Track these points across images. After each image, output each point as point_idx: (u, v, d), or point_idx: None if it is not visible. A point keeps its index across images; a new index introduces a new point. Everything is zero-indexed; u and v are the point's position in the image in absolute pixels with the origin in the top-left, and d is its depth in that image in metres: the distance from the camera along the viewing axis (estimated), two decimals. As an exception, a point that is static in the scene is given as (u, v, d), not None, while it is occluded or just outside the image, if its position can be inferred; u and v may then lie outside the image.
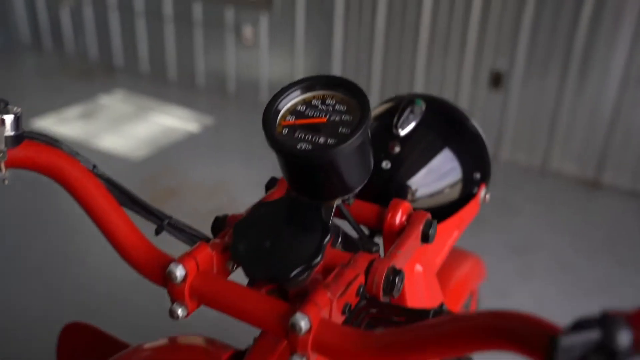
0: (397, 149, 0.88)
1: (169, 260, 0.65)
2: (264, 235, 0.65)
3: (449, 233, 0.90)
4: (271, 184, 0.85)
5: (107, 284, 2.05)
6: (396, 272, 0.65)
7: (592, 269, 2.24)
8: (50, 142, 0.66)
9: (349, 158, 0.64)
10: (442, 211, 0.90)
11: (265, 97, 3.58)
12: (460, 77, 2.99)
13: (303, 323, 0.56)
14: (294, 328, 0.56)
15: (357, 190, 0.68)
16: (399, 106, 0.92)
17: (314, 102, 0.68)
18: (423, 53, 3.05)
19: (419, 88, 3.11)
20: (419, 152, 0.90)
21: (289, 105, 0.68)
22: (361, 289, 0.64)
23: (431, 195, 0.89)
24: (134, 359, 0.76)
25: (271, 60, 3.53)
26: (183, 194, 2.67)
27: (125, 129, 3.26)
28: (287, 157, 0.63)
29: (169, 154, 3.02)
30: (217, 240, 0.68)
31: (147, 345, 0.78)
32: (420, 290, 0.82)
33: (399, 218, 0.75)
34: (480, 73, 2.96)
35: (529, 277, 2.20)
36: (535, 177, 2.90)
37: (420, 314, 0.60)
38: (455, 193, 0.91)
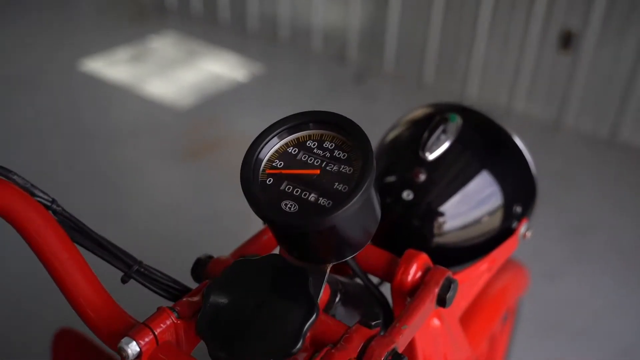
0: (422, 177, 0.75)
1: (130, 325, 0.56)
2: (237, 304, 0.54)
3: (479, 276, 0.78)
4: None
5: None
6: (397, 358, 0.54)
7: None
8: (1, 173, 0.57)
9: (347, 222, 0.52)
10: (474, 249, 0.77)
11: (318, 46, 3.41)
12: (527, 34, 2.75)
13: None
14: None
15: (359, 251, 0.57)
16: (429, 122, 0.78)
17: (308, 143, 0.56)
18: (487, 5, 2.81)
19: (480, 47, 2.88)
20: (449, 179, 0.76)
21: (278, 145, 0.56)
22: (351, 378, 0.53)
23: (461, 229, 0.77)
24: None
25: (326, 6, 3.35)
26: (226, 146, 2.59)
27: (173, 74, 3.18)
28: (263, 219, 0.52)
29: (215, 103, 2.94)
30: (187, 300, 0.58)
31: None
32: (437, 348, 0.71)
33: (412, 274, 0.63)
34: (549, 31, 2.71)
35: (583, 259, 2.04)
36: (601, 149, 2.68)
37: None
38: (490, 227, 0.78)
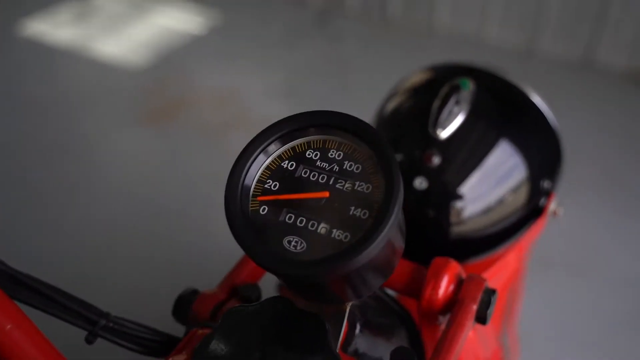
0: (436, 160, 0.62)
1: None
2: None
3: (511, 264, 0.67)
4: None
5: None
6: None
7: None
8: None
9: (374, 257, 0.40)
10: (499, 234, 0.66)
11: (275, -13, 3.20)
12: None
13: None
14: None
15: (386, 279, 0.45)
16: (436, 90, 0.65)
17: (308, 153, 0.43)
18: None
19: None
20: (466, 159, 0.64)
21: (269, 160, 0.43)
22: None
23: (484, 213, 0.65)
24: None
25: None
26: (191, 104, 2.43)
27: (122, 31, 2.96)
28: (269, 269, 0.40)
29: (172, 59, 2.74)
30: (176, 358, 0.46)
31: None
32: (471, 354, 0.61)
33: (443, 290, 0.52)
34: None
35: (569, 189, 1.96)
36: (577, 73, 2.57)
37: None
38: (515, 207, 0.67)
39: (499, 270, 0.63)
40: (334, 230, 0.39)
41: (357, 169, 0.41)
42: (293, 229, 0.40)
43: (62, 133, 2.32)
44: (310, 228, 0.40)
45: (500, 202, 0.65)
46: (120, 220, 1.91)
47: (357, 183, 0.41)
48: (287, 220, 0.40)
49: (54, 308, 0.48)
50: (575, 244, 1.76)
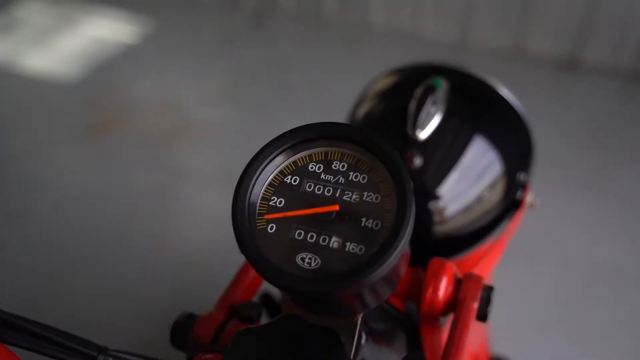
0: (418, 161, 0.63)
1: None
2: None
3: (495, 259, 0.68)
4: None
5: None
6: None
7: (577, 161, 2.06)
8: None
9: (388, 272, 0.39)
10: (482, 230, 0.67)
11: (206, -9, 3.16)
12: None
13: None
14: None
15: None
16: (411, 89, 0.66)
17: (311, 167, 0.42)
18: None
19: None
20: (446, 159, 0.65)
21: (272, 176, 0.42)
22: None
23: (467, 211, 0.66)
24: None
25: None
26: (131, 116, 2.36)
27: (51, 44, 2.85)
28: (285, 289, 0.39)
29: (107, 71, 2.66)
30: None
31: None
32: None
33: (442, 292, 0.52)
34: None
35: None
36: (510, 61, 2.65)
37: None
38: (496, 202, 0.68)
39: (487, 265, 0.64)
40: (347, 244, 0.39)
41: (364, 179, 0.41)
42: (304, 246, 0.39)
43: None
44: (322, 243, 0.39)
45: (481, 197, 0.66)
46: (64, 239, 1.84)
47: (366, 194, 0.40)
48: (296, 237, 0.40)
49: (48, 348, 0.45)
50: (531, 231, 1.82)
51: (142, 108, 2.41)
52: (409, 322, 0.59)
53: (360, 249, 0.39)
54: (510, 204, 0.69)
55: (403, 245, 0.37)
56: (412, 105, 0.64)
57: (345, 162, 0.42)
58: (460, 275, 0.53)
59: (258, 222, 0.40)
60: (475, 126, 0.67)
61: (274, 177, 0.42)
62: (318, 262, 0.39)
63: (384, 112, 0.68)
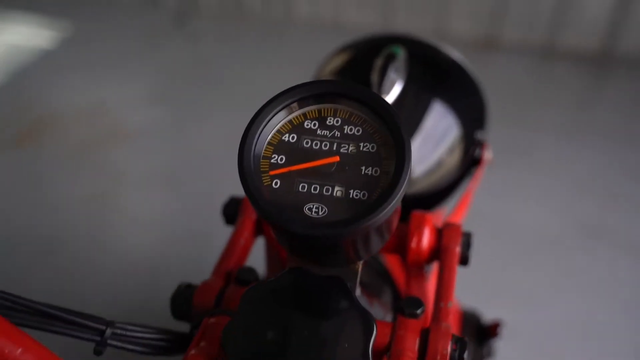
0: (386, 127, 0.65)
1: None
2: (273, 342, 0.43)
3: (462, 214, 0.72)
4: (231, 209, 0.61)
5: None
6: (462, 344, 0.47)
7: (495, 134, 2.13)
8: None
9: (391, 214, 0.42)
10: (449, 187, 0.71)
11: (123, -8, 3.09)
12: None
13: None
14: None
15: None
16: (369, 60, 0.68)
17: (306, 124, 0.44)
18: None
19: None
20: (409, 120, 0.68)
21: (270, 137, 0.44)
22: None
23: (430, 171, 0.70)
24: None
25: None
26: (59, 123, 2.28)
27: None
28: (293, 235, 0.41)
29: (25, 78, 2.56)
30: (195, 353, 0.46)
31: None
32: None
33: (426, 241, 0.55)
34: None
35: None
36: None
37: None
38: (456, 162, 0.72)
39: (456, 220, 0.67)
40: (351, 191, 0.41)
41: (358, 131, 0.43)
42: (310, 197, 0.41)
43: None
44: (326, 193, 0.41)
45: (444, 157, 0.70)
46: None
47: (362, 144, 0.43)
48: (301, 189, 0.42)
49: (57, 326, 0.45)
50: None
51: (68, 114, 2.33)
52: (385, 272, 0.62)
53: (364, 195, 0.41)
54: (471, 162, 0.73)
55: (404, 187, 0.40)
56: (375, 74, 0.66)
57: (338, 117, 0.44)
58: (439, 225, 0.57)
59: (263, 179, 0.42)
60: (433, 91, 0.70)
61: (272, 136, 0.44)
62: (325, 211, 0.41)
63: (352, 81, 0.70)
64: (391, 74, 0.66)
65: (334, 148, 0.43)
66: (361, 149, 0.43)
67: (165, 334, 0.50)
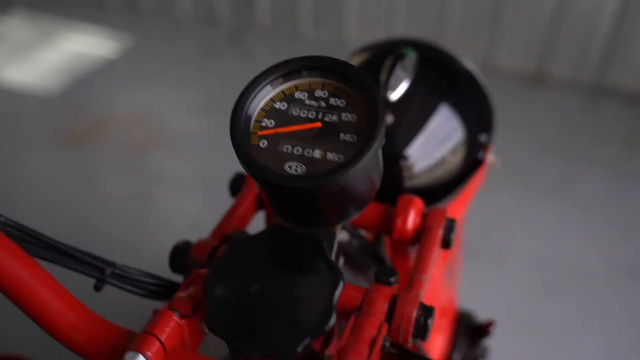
0: (389, 120, 0.70)
1: (125, 337, 0.48)
2: (248, 288, 0.48)
3: (458, 212, 0.76)
4: (237, 183, 0.66)
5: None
6: (427, 311, 0.50)
7: (542, 168, 2.16)
8: None
9: (361, 175, 0.46)
10: (446, 187, 0.74)
11: (185, 10, 3.24)
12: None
13: None
14: None
15: (365, 208, 0.52)
16: (382, 60, 0.73)
17: (297, 95, 0.49)
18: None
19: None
20: (414, 118, 0.72)
21: (263, 102, 0.49)
22: (387, 343, 0.49)
23: (432, 169, 0.73)
24: None
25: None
26: (108, 128, 2.41)
27: (32, 59, 2.89)
28: (270, 187, 0.45)
29: (85, 85, 2.71)
30: (183, 295, 0.50)
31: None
32: (433, 296, 0.68)
33: (411, 222, 0.59)
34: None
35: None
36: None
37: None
38: (458, 160, 0.76)
39: (453, 212, 0.70)
40: (328, 154, 0.46)
41: (342, 103, 0.48)
42: (291, 157, 0.46)
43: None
44: (307, 155, 0.46)
45: (445, 156, 0.74)
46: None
47: (344, 114, 0.47)
48: (285, 150, 0.46)
49: (64, 260, 0.51)
50: (492, 231, 1.90)
51: (120, 119, 2.46)
52: (379, 256, 0.66)
53: (339, 157, 0.45)
54: (472, 163, 0.76)
55: (371, 152, 0.44)
56: (384, 71, 0.71)
57: (326, 90, 0.49)
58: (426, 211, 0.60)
59: (252, 138, 0.47)
60: (440, 92, 0.75)
61: (265, 103, 0.49)
62: (304, 169, 0.45)
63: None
64: (399, 72, 0.71)
65: (319, 116, 0.47)
66: (342, 118, 0.47)
67: (160, 280, 0.55)
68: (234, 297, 0.47)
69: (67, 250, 0.51)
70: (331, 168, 0.44)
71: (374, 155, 0.46)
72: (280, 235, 0.50)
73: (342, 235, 0.63)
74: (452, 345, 0.82)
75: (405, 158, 0.71)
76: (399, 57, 0.72)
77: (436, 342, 0.78)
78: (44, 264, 0.50)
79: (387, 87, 0.70)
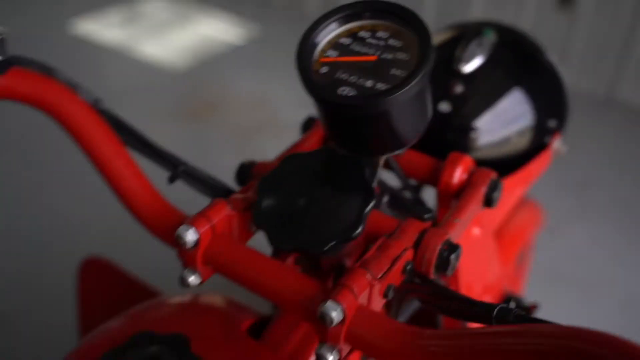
0: (459, 89, 0.74)
1: (181, 219, 0.55)
2: (294, 195, 0.54)
3: (514, 190, 0.78)
4: (308, 124, 0.72)
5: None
6: (452, 247, 0.53)
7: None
8: (44, 69, 0.55)
9: (404, 107, 0.51)
10: (508, 163, 0.77)
11: (312, 8, 3.38)
12: (525, -7, 2.74)
13: (335, 314, 0.45)
14: (323, 319, 0.46)
15: (411, 144, 0.56)
16: (463, 37, 0.77)
17: (361, 34, 0.55)
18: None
19: (477, 5, 2.87)
20: (485, 93, 0.75)
21: (330, 37, 0.55)
22: (408, 267, 0.53)
23: (496, 145, 0.76)
24: (149, 315, 0.67)
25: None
26: (224, 108, 2.56)
27: (166, 37, 3.13)
28: (323, 104, 0.51)
29: (210, 66, 2.90)
30: (239, 196, 0.57)
31: (166, 301, 0.70)
32: (476, 259, 0.71)
33: (457, 176, 0.63)
34: (548, -10, 2.70)
35: (583, 215, 2.05)
36: (599, 107, 2.68)
37: (481, 310, 0.49)
38: (524, 142, 0.78)
39: (507, 185, 0.72)
40: (378, 84, 0.50)
41: (400, 44, 0.53)
42: (345, 83, 0.51)
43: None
44: (359, 83, 0.51)
45: (511, 136, 0.76)
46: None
47: (398, 53, 0.52)
48: (341, 77, 0.52)
49: (147, 151, 0.60)
50: (583, 262, 1.84)
51: (236, 102, 2.61)
52: (421, 200, 0.69)
53: (387, 88, 0.50)
54: (538, 146, 0.78)
55: (412, 87, 0.48)
56: (461, 45, 0.75)
57: (388, 32, 0.54)
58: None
59: (314, 64, 0.53)
60: (515, 74, 0.77)
61: (333, 37, 0.55)
62: (354, 92, 0.50)
63: (439, 51, 0.79)
64: (473, 47, 0.74)
65: (378, 53, 0.53)
66: (397, 56, 0.52)
67: (222, 184, 0.63)
68: (279, 200, 0.53)
69: (150, 144, 0.60)
70: (377, 94, 0.49)
71: (418, 92, 0.50)
72: (327, 155, 0.56)
73: (393, 183, 0.67)
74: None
75: (471, 129, 0.74)
76: (477, 34, 0.76)
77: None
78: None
79: (461, 59, 0.74)
